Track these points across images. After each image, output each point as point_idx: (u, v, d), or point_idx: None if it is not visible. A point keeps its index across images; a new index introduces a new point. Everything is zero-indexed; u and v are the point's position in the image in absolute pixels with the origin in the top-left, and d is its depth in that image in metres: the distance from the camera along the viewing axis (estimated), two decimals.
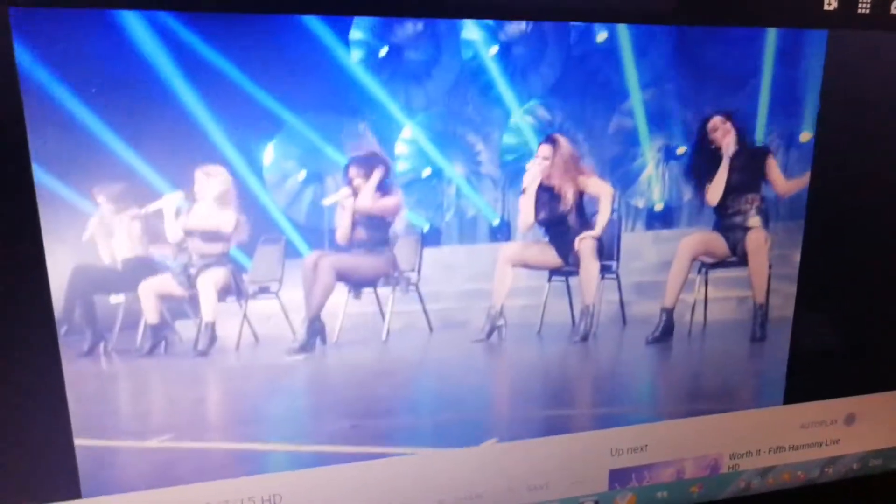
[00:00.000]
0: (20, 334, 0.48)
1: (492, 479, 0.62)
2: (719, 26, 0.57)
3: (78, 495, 0.52)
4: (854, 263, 0.66)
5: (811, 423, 0.69)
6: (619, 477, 0.65)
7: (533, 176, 0.59)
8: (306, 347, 0.56)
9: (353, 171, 0.54)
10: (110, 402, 0.52)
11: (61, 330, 0.49)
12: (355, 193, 0.55)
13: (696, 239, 0.62)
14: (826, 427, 0.70)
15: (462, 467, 0.61)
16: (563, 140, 0.58)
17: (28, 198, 0.46)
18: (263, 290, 0.56)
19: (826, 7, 0.58)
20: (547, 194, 0.60)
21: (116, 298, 0.51)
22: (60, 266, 0.48)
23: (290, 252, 0.54)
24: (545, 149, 0.58)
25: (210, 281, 0.53)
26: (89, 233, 0.48)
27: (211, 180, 0.50)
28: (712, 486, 0.69)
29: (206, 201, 0.51)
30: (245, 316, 0.55)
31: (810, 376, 0.67)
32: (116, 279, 0.50)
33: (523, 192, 0.59)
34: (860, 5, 0.59)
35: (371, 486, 0.59)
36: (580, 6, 0.54)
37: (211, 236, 0.53)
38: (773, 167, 0.62)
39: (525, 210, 0.59)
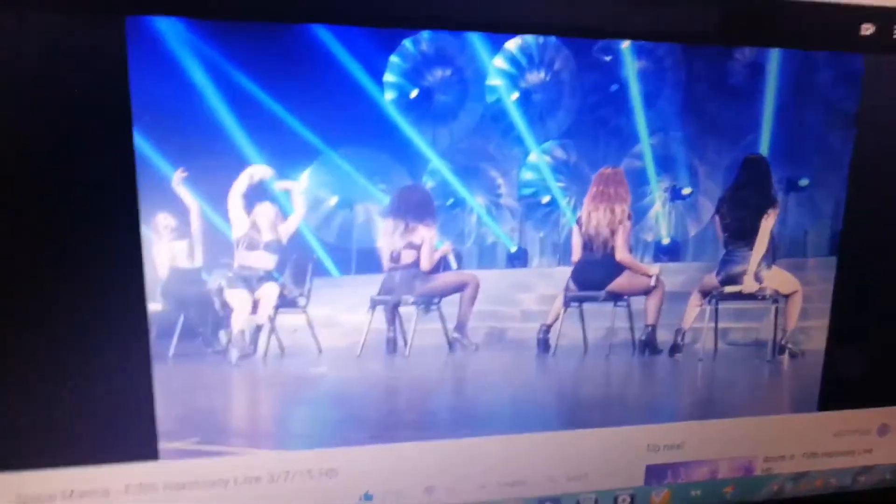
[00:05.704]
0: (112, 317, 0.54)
1: (534, 468, 0.65)
2: (761, 46, 0.61)
3: (155, 456, 0.57)
4: (890, 275, 0.68)
5: (844, 431, 0.71)
6: (655, 473, 0.68)
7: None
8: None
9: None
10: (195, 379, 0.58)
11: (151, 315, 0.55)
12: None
13: None
14: (859, 436, 0.72)
15: (506, 454, 0.64)
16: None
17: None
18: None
19: (863, 33, 0.62)
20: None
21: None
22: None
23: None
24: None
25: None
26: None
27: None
28: (745, 488, 0.71)
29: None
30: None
31: (845, 385, 0.69)
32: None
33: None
34: None
35: (419, 465, 0.62)
36: (629, 27, 0.58)
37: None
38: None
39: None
